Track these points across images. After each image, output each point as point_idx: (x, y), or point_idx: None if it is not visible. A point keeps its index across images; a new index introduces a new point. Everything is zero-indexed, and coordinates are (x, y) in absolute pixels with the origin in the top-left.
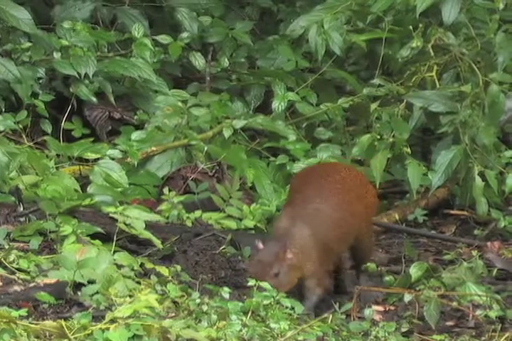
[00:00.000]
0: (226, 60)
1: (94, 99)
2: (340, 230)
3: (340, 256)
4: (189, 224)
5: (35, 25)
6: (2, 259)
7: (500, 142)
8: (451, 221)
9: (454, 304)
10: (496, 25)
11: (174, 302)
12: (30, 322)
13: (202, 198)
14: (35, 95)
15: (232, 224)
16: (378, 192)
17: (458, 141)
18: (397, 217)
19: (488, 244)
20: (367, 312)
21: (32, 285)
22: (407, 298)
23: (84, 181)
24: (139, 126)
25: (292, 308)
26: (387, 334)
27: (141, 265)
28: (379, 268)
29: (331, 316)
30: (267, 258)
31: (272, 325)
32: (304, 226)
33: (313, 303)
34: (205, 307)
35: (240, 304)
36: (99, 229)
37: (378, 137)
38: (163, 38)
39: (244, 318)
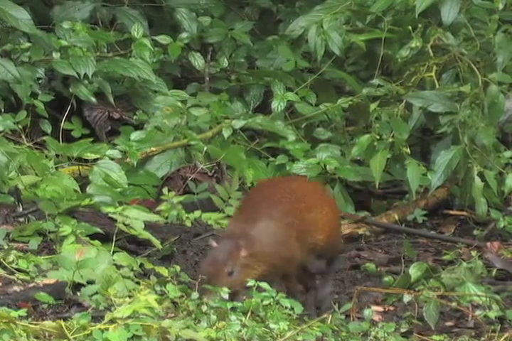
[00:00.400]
0: (225, 60)
1: (94, 100)
2: (291, 235)
3: (304, 267)
4: (188, 224)
5: (35, 26)
6: (1, 259)
7: (499, 142)
8: (451, 221)
9: (454, 304)
10: (495, 25)
11: (173, 302)
12: (29, 323)
13: (201, 198)
14: (34, 95)
15: None
16: (379, 192)
17: (457, 141)
18: (396, 217)
19: (488, 244)
20: (366, 312)
21: (31, 285)
22: (407, 298)
23: (83, 181)
24: (138, 126)
25: (292, 309)
26: (386, 335)
27: (141, 265)
28: (378, 269)
29: (330, 316)
30: (221, 256)
31: (272, 326)
32: (259, 228)
33: (310, 302)
34: (204, 308)
35: (240, 304)
36: (98, 230)
37: (378, 137)
38: (163, 38)
39: (243, 318)
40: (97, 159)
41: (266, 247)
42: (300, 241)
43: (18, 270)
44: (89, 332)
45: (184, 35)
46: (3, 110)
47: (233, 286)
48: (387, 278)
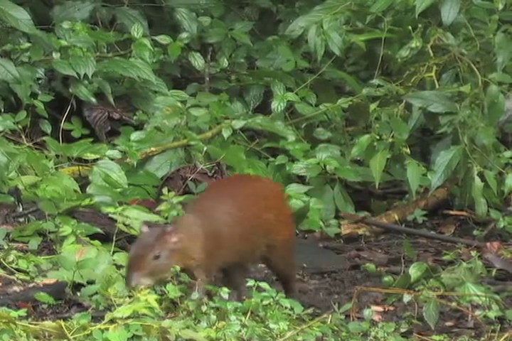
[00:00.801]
0: (225, 60)
1: (94, 100)
2: (234, 229)
3: (242, 262)
4: None
5: (35, 26)
6: (1, 259)
7: (499, 142)
8: (451, 221)
9: (454, 304)
10: (495, 25)
11: (173, 302)
12: (29, 323)
13: None
14: (34, 95)
15: None
16: (379, 192)
17: (457, 142)
18: (396, 217)
19: (488, 244)
20: (366, 312)
21: (31, 285)
22: (407, 298)
23: (83, 181)
24: (138, 127)
25: (291, 309)
26: (386, 335)
27: None
28: (378, 269)
29: (330, 316)
30: (149, 239)
31: (271, 326)
32: (193, 216)
33: (200, 293)
34: (204, 308)
35: (239, 304)
36: (98, 230)
37: (377, 137)
38: (163, 39)
39: (243, 318)
40: (97, 159)
41: (199, 236)
42: (252, 238)
43: (18, 270)
44: (89, 332)
45: (184, 35)
46: (3, 110)
47: (158, 270)
48: (387, 278)
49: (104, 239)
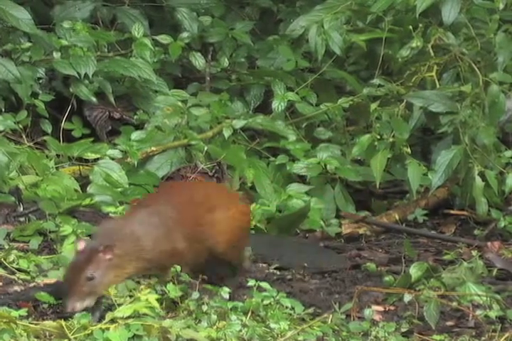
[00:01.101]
0: (226, 59)
1: (94, 99)
2: (180, 234)
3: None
4: None
5: (35, 25)
6: (2, 259)
7: (500, 142)
8: (451, 221)
9: (454, 304)
10: (495, 25)
11: (174, 302)
12: (30, 322)
13: None
14: (35, 95)
15: None
16: (380, 192)
17: (458, 141)
18: (397, 216)
19: (488, 244)
20: (367, 312)
21: (32, 285)
22: (407, 298)
23: (84, 181)
24: (138, 126)
25: (292, 308)
26: (387, 335)
27: None
28: (379, 268)
29: (330, 316)
30: (81, 260)
31: (272, 325)
32: (135, 225)
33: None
34: (205, 308)
35: (240, 304)
36: None
37: (378, 137)
38: (163, 38)
39: (244, 318)
40: (98, 159)
41: (139, 245)
42: (192, 241)
43: (19, 270)
44: (89, 331)
45: (185, 34)
46: (3, 110)
47: (97, 289)
48: (387, 278)
49: None
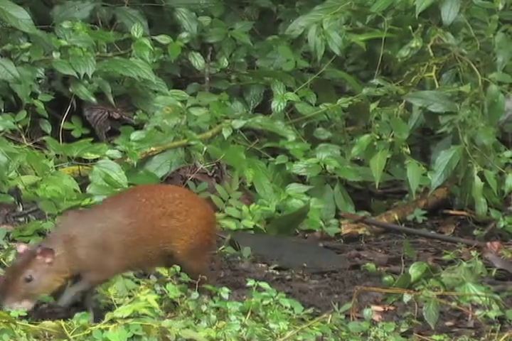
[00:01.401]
0: (225, 60)
1: (94, 99)
2: (127, 237)
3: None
4: None
5: (35, 26)
6: (1, 259)
7: (499, 142)
8: (451, 221)
9: (454, 304)
10: (495, 25)
11: (173, 302)
12: (29, 322)
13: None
14: (34, 95)
15: (232, 225)
16: (379, 192)
17: (457, 141)
18: (396, 217)
19: (488, 244)
20: (366, 312)
21: None
22: (407, 298)
23: (83, 181)
24: (138, 126)
25: (291, 308)
26: (386, 335)
27: None
28: (378, 269)
29: (330, 316)
30: (21, 263)
31: (271, 325)
32: (77, 228)
33: (70, 298)
34: (204, 308)
35: (239, 304)
36: None
37: (378, 137)
38: (163, 38)
39: (243, 318)
40: (97, 159)
41: (81, 250)
42: (143, 245)
43: None
44: (89, 331)
45: (184, 35)
46: (3, 110)
47: (35, 291)
48: (387, 278)
49: None
